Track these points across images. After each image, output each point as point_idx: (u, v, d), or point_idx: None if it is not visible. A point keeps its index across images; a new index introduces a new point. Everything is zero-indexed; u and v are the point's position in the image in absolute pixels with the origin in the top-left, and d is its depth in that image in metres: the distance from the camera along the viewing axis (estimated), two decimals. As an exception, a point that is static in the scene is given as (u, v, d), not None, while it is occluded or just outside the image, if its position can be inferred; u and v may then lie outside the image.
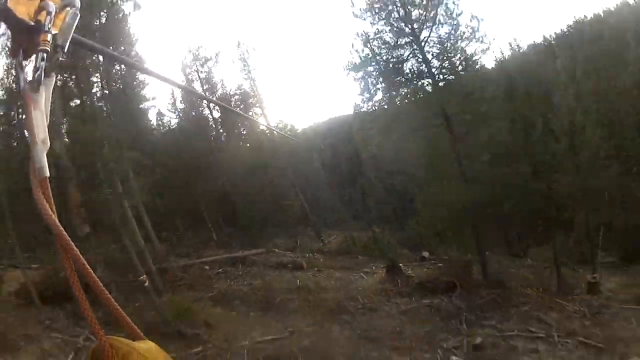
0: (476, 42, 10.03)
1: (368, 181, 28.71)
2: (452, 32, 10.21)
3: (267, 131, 23.48)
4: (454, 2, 10.21)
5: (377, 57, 10.81)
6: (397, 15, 10.46)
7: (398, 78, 10.91)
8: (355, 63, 11.66)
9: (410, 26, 10.21)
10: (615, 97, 11.23)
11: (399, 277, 11.87)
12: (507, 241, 15.64)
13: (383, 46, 10.77)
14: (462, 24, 10.57)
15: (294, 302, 9.66)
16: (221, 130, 25.26)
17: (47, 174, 0.53)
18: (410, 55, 10.59)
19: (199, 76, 24.33)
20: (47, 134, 0.55)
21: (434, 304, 9.23)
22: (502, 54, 12.63)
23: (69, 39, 0.58)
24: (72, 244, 0.51)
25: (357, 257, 16.52)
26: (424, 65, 10.57)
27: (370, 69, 11.60)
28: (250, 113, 24.31)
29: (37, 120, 0.54)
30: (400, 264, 12.95)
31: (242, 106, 24.65)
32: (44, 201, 0.52)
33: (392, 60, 10.71)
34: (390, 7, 10.27)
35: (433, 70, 10.50)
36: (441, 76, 10.58)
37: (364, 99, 12.49)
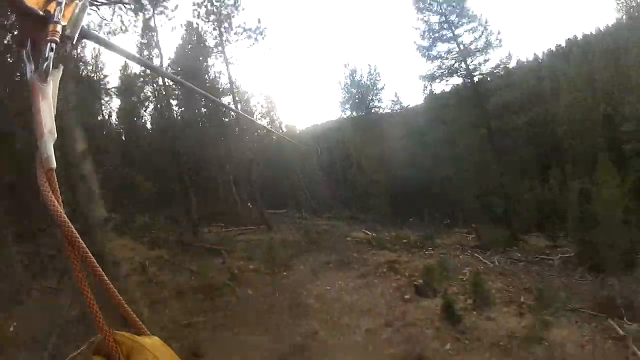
0: (395, 105, 22.18)
1: (354, 178, 39.12)
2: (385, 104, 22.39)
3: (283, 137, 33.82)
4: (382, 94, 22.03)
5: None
6: (358, 97, 22.48)
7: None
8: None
9: (365, 104, 22.09)
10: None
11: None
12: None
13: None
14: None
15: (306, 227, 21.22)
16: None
17: (54, 165, 0.53)
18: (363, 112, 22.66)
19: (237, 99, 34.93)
20: (54, 124, 0.55)
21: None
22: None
23: (78, 31, 0.59)
24: (79, 236, 0.52)
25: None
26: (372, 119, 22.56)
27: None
28: (269, 121, 35.16)
29: (44, 111, 0.54)
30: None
31: (265, 119, 35.64)
32: (50, 192, 0.52)
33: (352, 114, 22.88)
34: (354, 93, 22.39)
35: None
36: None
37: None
